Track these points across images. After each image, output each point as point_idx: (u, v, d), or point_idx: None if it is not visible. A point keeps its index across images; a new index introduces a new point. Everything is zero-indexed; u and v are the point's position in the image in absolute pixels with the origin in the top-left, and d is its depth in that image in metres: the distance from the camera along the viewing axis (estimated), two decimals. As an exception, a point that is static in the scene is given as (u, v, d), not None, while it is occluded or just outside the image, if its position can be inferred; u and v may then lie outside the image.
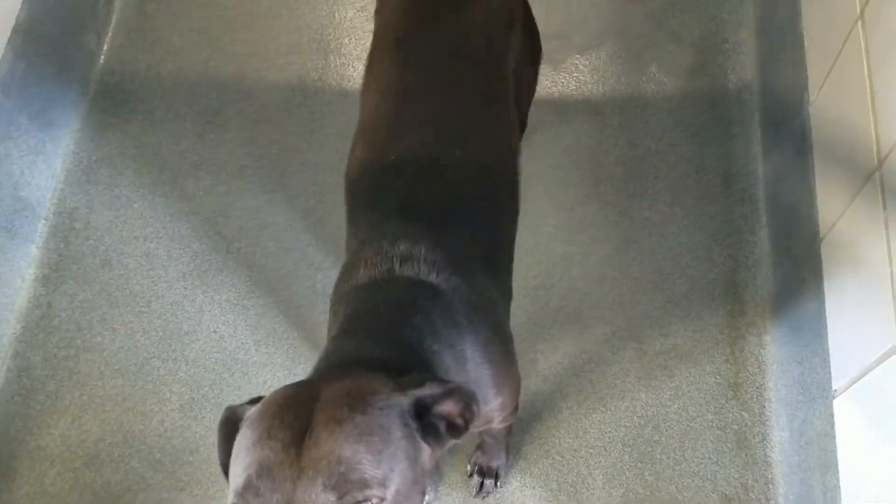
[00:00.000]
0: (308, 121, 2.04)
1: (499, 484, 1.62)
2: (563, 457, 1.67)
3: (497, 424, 1.31)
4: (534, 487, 1.64)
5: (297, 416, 0.77)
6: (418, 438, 0.83)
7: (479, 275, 1.14)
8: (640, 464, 1.65)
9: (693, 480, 1.62)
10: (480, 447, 1.59)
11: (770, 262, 1.79)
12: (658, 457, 1.65)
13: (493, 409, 1.19)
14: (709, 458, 1.64)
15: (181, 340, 1.82)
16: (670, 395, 1.71)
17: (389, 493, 0.76)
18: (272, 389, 0.86)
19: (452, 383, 0.87)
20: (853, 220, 1.38)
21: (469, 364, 1.07)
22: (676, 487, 1.62)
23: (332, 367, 0.96)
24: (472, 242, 1.16)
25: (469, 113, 1.26)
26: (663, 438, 1.67)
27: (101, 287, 1.88)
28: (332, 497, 0.72)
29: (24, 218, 1.89)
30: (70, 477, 1.70)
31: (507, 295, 1.27)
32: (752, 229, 1.85)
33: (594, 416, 1.70)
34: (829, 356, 1.43)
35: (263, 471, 0.74)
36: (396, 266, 1.08)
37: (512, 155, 1.33)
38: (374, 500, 0.75)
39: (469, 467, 1.63)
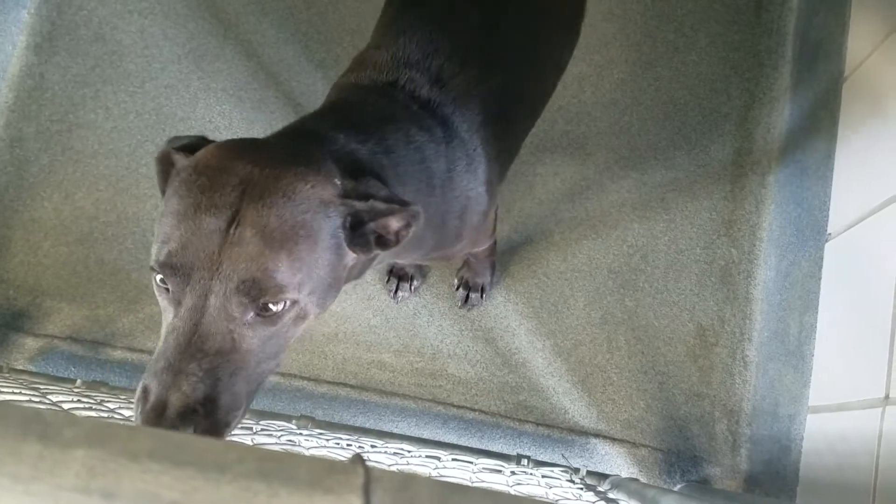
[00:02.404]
0: None
1: (484, 297, 1.65)
2: (548, 278, 1.69)
3: (474, 250, 1.32)
4: (517, 304, 1.68)
5: (224, 199, 0.74)
6: (345, 246, 0.82)
7: (486, 126, 1.07)
8: (622, 290, 1.68)
9: (672, 309, 1.66)
10: (466, 263, 1.60)
11: (787, 99, 1.71)
12: (641, 285, 1.68)
13: (455, 250, 1.19)
14: (690, 290, 1.67)
15: (175, 126, 1.78)
16: (663, 227, 1.70)
17: (302, 296, 0.78)
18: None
19: (398, 203, 0.83)
20: (882, 61, 1.30)
21: (447, 204, 1.05)
22: (654, 314, 1.66)
23: (288, 138, 0.90)
24: (492, 89, 1.08)
25: None
26: (649, 268, 1.68)
27: (94, 62, 1.81)
28: (244, 299, 0.73)
29: (13, -20, 1.79)
30: (64, 251, 1.73)
31: (511, 154, 1.22)
32: (776, 64, 1.75)
33: (585, 241, 1.70)
34: (829, 200, 1.40)
35: (183, 253, 0.73)
36: (402, 81, 1.02)
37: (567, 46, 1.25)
38: (287, 303, 0.76)
39: (456, 280, 1.66)
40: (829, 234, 1.38)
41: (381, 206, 0.82)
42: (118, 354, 1.67)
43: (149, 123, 1.78)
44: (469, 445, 1.58)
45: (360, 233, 0.83)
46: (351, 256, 0.84)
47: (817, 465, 1.30)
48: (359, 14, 1.83)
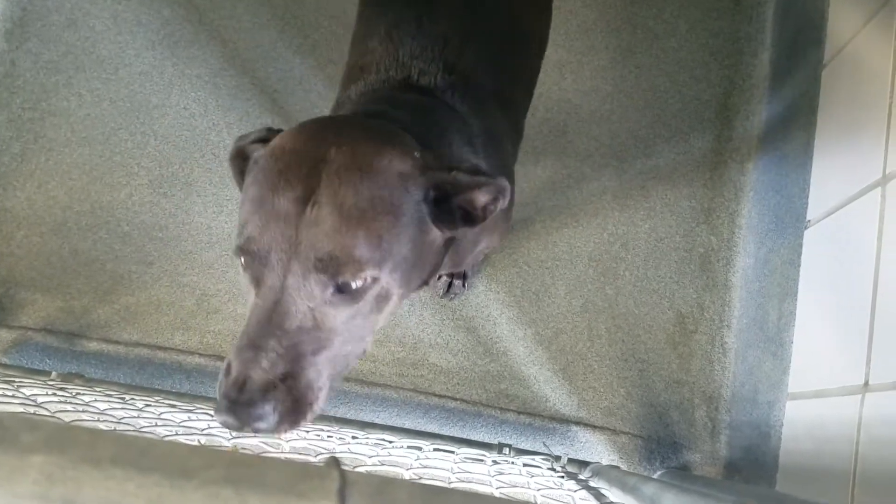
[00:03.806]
0: None
1: (465, 286, 1.64)
2: (529, 266, 1.69)
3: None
4: (498, 292, 1.67)
5: (301, 181, 0.74)
6: (429, 222, 0.80)
7: (492, 104, 1.07)
8: (603, 278, 1.67)
9: (651, 297, 1.66)
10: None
11: (767, 87, 1.71)
12: (621, 273, 1.68)
13: (478, 252, 1.17)
14: (670, 278, 1.67)
15: (150, 114, 1.75)
16: (643, 214, 1.70)
17: (384, 274, 0.76)
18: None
19: (487, 175, 0.81)
20: (861, 47, 1.30)
21: None
22: (634, 302, 1.66)
23: (358, 114, 0.90)
24: (491, 69, 1.08)
25: None
26: (629, 256, 1.68)
27: (66, 48, 1.77)
28: (323, 277, 0.72)
29: (-20, -36, 1.74)
30: (37, 241, 1.70)
31: (519, 133, 1.21)
32: (755, 51, 1.75)
33: (565, 230, 1.70)
34: (809, 187, 1.41)
35: (263, 236, 0.73)
36: (415, 75, 1.01)
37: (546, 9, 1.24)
38: (368, 279, 0.75)
39: (438, 269, 1.64)
40: (809, 221, 1.39)
41: (465, 178, 0.80)
42: (93, 346, 1.65)
43: (123, 111, 1.75)
44: (451, 435, 1.58)
45: (445, 208, 0.81)
46: (437, 234, 0.82)
47: (797, 452, 1.31)
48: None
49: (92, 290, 1.67)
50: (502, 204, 0.83)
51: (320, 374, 0.75)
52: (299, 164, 0.75)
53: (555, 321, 1.65)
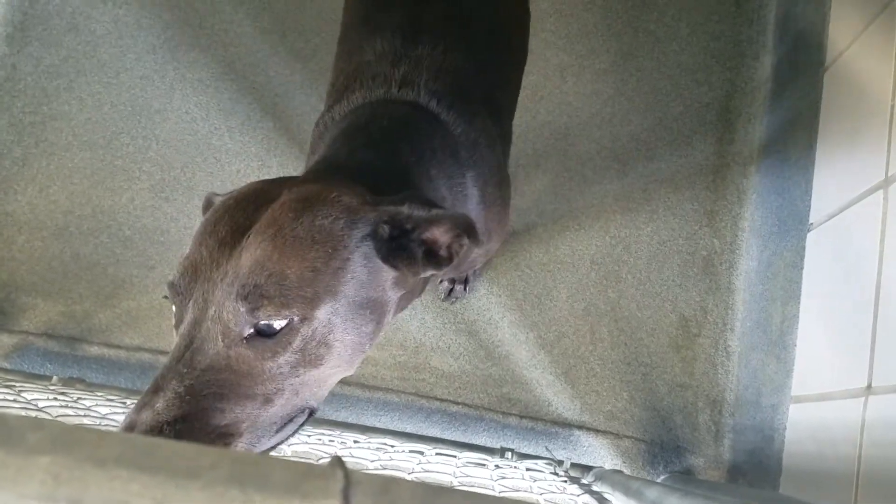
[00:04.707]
0: None
1: (467, 289, 1.64)
2: (531, 270, 1.69)
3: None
4: (500, 296, 1.67)
5: (245, 215, 0.71)
6: (376, 259, 0.74)
7: (481, 110, 1.06)
8: (605, 281, 1.67)
9: (654, 300, 1.66)
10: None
11: (768, 89, 1.71)
12: (624, 276, 1.67)
13: (478, 255, 1.16)
14: (673, 281, 1.67)
15: (151, 118, 1.75)
16: (645, 217, 1.70)
17: (320, 314, 0.69)
18: (246, 179, 0.81)
19: (444, 210, 0.75)
20: (862, 50, 1.30)
21: (469, 202, 1.00)
22: (637, 305, 1.66)
23: (318, 171, 0.88)
24: (475, 75, 1.07)
25: None
26: (631, 259, 1.68)
27: (67, 52, 1.77)
28: (241, 308, 0.66)
29: (-18, -31, 1.75)
30: (39, 245, 1.70)
31: (507, 137, 1.21)
32: (756, 54, 1.75)
33: (567, 233, 1.70)
34: (811, 189, 1.40)
35: (190, 269, 0.69)
36: (395, 89, 0.99)
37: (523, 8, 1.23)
38: (294, 320, 0.68)
39: (439, 272, 1.64)
40: (811, 223, 1.39)
41: (420, 212, 0.74)
42: (95, 350, 1.64)
43: (124, 115, 1.75)
44: (453, 439, 1.57)
45: (401, 244, 0.75)
46: (391, 274, 0.76)
47: (800, 455, 1.31)
48: (338, 4, 1.80)
49: (93, 295, 1.67)
50: (467, 243, 0.77)
51: (227, 419, 0.67)
52: (249, 201, 0.73)
53: (557, 325, 1.65)
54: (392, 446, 1.41)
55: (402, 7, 1.08)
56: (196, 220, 1.70)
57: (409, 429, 1.59)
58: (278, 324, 0.68)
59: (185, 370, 0.66)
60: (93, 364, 1.64)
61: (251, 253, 0.68)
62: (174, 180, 1.73)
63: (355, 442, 1.39)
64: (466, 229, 0.76)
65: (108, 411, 1.19)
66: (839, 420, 1.18)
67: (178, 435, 0.64)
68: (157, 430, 0.63)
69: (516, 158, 1.72)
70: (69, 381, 1.47)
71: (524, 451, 1.55)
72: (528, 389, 1.63)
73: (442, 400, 1.62)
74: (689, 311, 1.65)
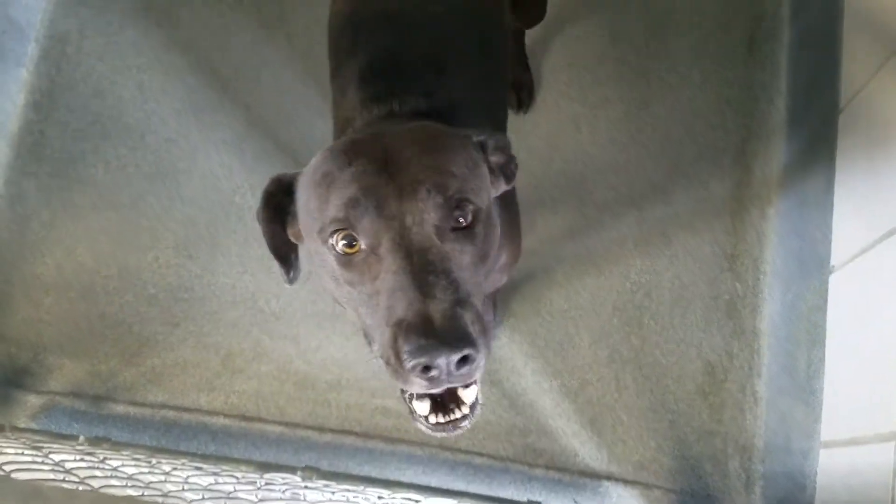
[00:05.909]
0: (312, -47, 1.91)
1: (496, 317, 1.62)
2: (552, 316, 1.68)
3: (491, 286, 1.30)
4: (521, 343, 1.67)
5: (371, 151, 0.79)
6: (484, 165, 0.88)
7: (478, 116, 1.09)
8: (627, 327, 1.66)
9: (679, 346, 1.64)
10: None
11: (784, 132, 1.72)
12: (647, 322, 1.66)
13: (494, 270, 1.17)
14: (696, 326, 1.65)
15: (175, 179, 1.79)
16: (666, 262, 1.69)
17: (483, 203, 0.82)
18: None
19: (504, 136, 0.91)
20: (876, 91, 1.31)
21: None
22: (661, 352, 1.64)
23: (378, 121, 1.00)
24: (473, 93, 1.11)
25: None
26: (654, 305, 1.67)
27: (93, 117, 1.83)
28: (438, 199, 0.76)
29: (13, 39, 1.82)
30: (66, 306, 1.73)
31: (502, 128, 1.24)
32: (770, 98, 1.76)
33: (587, 279, 1.70)
34: (831, 232, 1.40)
35: (363, 191, 0.76)
36: (396, 106, 1.03)
37: (497, 7, 1.26)
38: (470, 207, 0.79)
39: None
40: (833, 265, 1.38)
41: (490, 138, 0.89)
42: (120, 409, 1.66)
43: (149, 176, 1.79)
44: (478, 492, 1.55)
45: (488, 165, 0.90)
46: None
47: (832, 502, 1.28)
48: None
49: (119, 353, 1.69)
50: (515, 168, 0.93)
51: (462, 293, 0.75)
52: (358, 146, 0.81)
53: (580, 372, 1.64)
54: (417, 501, 1.39)
55: (386, 41, 1.10)
56: (220, 277, 1.72)
57: (434, 482, 1.57)
58: (469, 215, 0.80)
59: (430, 267, 0.73)
60: (118, 422, 1.65)
61: (415, 165, 0.78)
62: (198, 238, 1.76)
63: (379, 498, 1.37)
64: (511, 153, 0.92)
65: (134, 471, 1.20)
66: (870, 465, 1.15)
67: (464, 311, 0.71)
68: (451, 314, 0.70)
69: (532, 205, 1.73)
70: (95, 441, 1.48)
71: (552, 503, 1.52)
72: (554, 439, 1.61)
73: (466, 452, 1.61)
74: (714, 356, 1.63)
